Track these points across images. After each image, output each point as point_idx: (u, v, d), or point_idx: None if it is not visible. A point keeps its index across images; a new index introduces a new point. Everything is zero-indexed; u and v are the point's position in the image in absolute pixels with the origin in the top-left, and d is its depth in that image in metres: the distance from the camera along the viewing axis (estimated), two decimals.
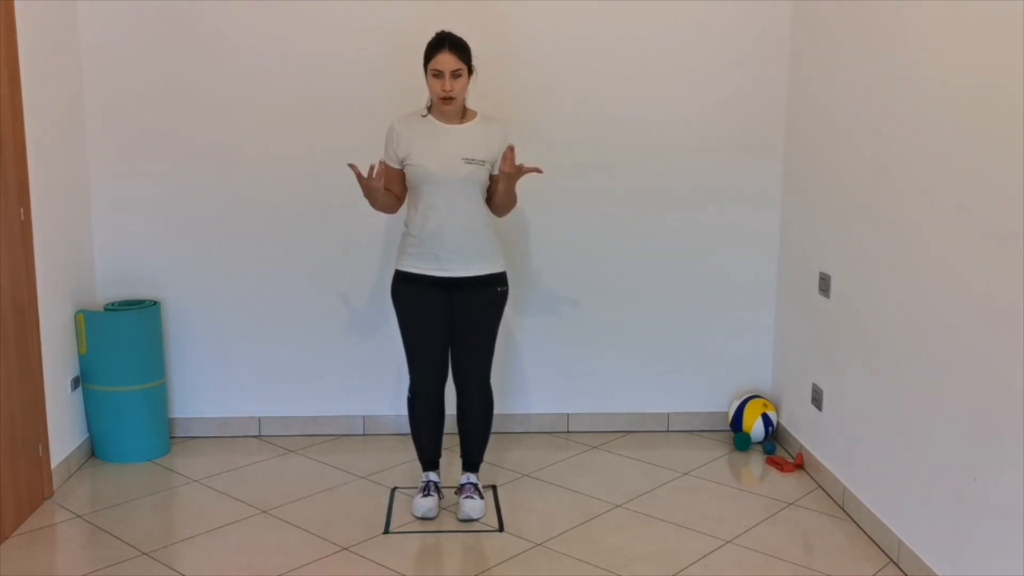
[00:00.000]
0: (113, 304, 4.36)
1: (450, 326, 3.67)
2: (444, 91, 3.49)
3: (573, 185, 4.50)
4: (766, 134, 4.50)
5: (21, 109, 3.69)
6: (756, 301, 4.65)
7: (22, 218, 3.71)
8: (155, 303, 4.38)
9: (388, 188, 3.65)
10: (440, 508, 3.78)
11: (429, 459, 3.84)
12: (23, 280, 3.72)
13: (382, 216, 4.18)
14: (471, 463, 3.85)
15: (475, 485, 3.81)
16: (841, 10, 3.87)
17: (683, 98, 4.47)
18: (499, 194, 3.63)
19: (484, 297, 3.67)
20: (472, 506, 3.72)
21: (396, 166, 3.62)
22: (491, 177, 3.63)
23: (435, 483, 3.81)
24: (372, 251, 4.47)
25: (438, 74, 3.49)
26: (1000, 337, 2.75)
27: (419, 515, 3.72)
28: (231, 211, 4.45)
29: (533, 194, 4.42)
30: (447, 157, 3.54)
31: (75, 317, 4.20)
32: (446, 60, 3.47)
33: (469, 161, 3.55)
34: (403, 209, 3.75)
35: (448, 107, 3.54)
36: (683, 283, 4.61)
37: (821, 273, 4.06)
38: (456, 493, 3.82)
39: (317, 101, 4.38)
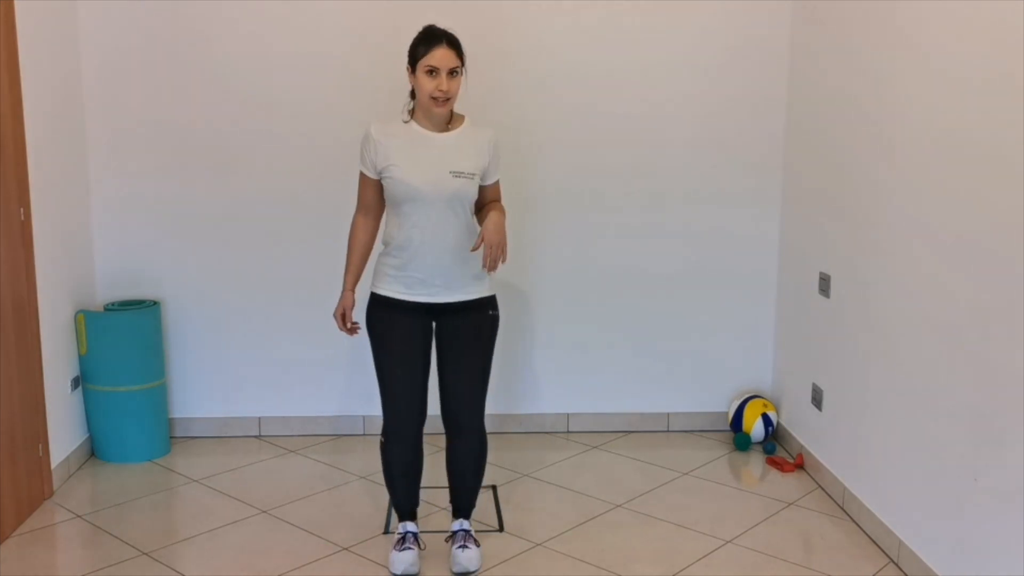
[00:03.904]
0: (113, 304, 4.36)
1: (437, 358, 3.30)
2: (440, 91, 3.08)
3: (571, 185, 4.50)
4: (766, 134, 4.50)
5: (21, 109, 3.69)
6: (756, 301, 4.65)
7: (22, 218, 3.71)
8: (155, 303, 4.38)
9: (367, 208, 3.31)
10: (421, 561, 3.37)
11: (405, 511, 3.41)
12: (23, 280, 3.72)
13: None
14: (463, 508, 3.44)
15: (468, 532, 3.40)
16: (841, 9, 3.86)
17: (683, 98, 4.47)
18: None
19: (474, 323, 3.27)
20: (468, 557, 3.32)
21: (373, 176, 3.22)
22: (481, 189, 3.27)
23: (414, 534, 3.39)
24: (372, 251, 4.45)
25: (433, 71, 3.07)
26: (1000, 337, 2.75)
27: (399, 573, 3.30)
28: (231, 211, 4.45)
29: (532, 194, 4.43)
30: (433, 171, 3.14)
31: (75, 317, 4.20)
32: (444, 56, 3.07)
33: (457, 175, 3.15)
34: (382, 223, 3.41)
35: (439, 109, 3.12)
36: (683, 283, 4.61)
37: (821, 273, 4.06)
38: (447, 541, 3.43)
39: (318, 101, 4.38)
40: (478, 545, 3.39)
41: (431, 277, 3.20)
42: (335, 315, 3.37)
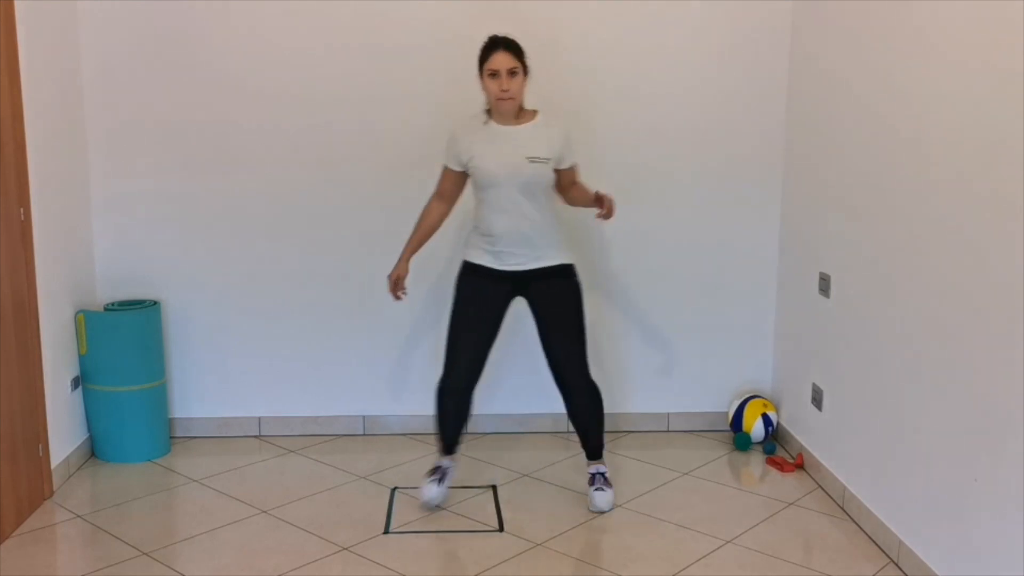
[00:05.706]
0: (113, 304, 4.36)
1: (537, 325, 3.76)
2: (502, 90, 3.54)
3: None
4: (766, 134, 4.50)
5: (21, 109, 3.69)
6: (756, 301, 4.65)
7: (22, 218, 3.71)
8: (155, 303, 4.38)
9: (443, 194, 3.77)
10: (444, 498, 3.81)
11: (447, 445, 3.86)
12: (23, 280, 3.72)
13: (381, 218, 4.22)
14: (593, 451, 3.89)
15: (603, 475, 3.85)
16: (841, 10, 3.86)
17: (683, 98, 4.47)
18: (576, 200, 3.80)
19: (559, 287, 3.74)
20: (603, 498, 3.79)
21: (456, 169, 3.70)
22: (557, 172, 3.69)
23: (445, 469, 3.84)
24: (372, 251, 4.46)
25: (494, 74, 3.55)
26: (1000, 337, 2.75)
27: (423, 500, 3.77)
28: (231, 211, 4.45)
29: None
30: (510, 159, 3.60)
31: (75, 317, 4.20)
32: (502, 59, 3.54)
33: (533, 160, 3.60)
34: (459, 206, 3.84)
35: (506, 106, 3.59)
36: (683, 283, 4.61)
37: (821, 273, 4.06)
38: (589, 484, 3.85)
39: (320, 99, 4.38)
40: (611, 487, 3.86)
41: (517, 248, 3.65)
42: (389, 276, 3.78)
